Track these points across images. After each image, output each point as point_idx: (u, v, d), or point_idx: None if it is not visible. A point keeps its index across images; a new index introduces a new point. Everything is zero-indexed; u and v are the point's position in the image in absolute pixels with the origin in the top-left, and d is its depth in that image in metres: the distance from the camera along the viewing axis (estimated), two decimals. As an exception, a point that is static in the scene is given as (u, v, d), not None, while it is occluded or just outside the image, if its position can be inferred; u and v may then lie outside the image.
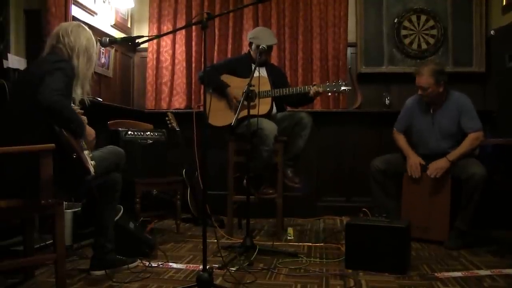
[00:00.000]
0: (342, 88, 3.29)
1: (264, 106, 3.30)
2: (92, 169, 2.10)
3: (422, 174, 3.19)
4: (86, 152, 2.16)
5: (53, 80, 1.99)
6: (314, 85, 3.33)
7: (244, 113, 2.96)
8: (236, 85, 3.37)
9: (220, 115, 3.38)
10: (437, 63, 3.27)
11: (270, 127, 3.18)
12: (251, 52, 3.55)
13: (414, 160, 3.21)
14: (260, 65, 3.40)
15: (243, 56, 3.72)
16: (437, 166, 3.11)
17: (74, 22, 2.40)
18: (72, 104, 2.16)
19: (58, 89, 1.97)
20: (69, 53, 2.23)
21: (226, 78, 3.44)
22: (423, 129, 3.29)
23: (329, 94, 3.40)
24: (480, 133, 3.13)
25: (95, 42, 2.36)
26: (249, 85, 2.83)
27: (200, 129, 3.97)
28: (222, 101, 3.43)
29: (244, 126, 3.06)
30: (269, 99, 3.36)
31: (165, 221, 3.93)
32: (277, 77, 3.56)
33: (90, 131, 2.26)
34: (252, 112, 3.02)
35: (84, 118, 2.24)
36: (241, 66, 3.48)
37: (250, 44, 3.54)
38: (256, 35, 3.51)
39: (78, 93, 2.21)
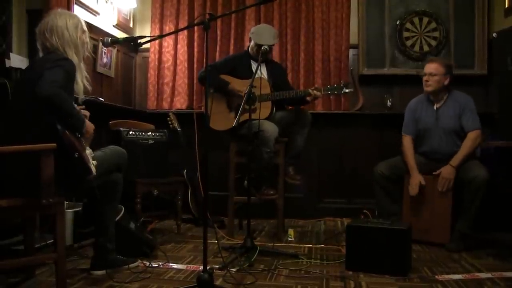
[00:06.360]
0: (344, 90, 3.26)
1: (264, 110, 3.27)
2: (93, 169, 2.09)
3: (423, 176, 3.19)
4: (88, 151, 2.16)
5: (51, 73, 1.99)
6: (315, 88, 3.30)
7: (245, 116, 2.96)
8: (236, 86, 3.35)
9: (220, 119, 3.35)
10: (448, 59, 3.28)
11: (271, 129, 3.18)
12: (250, 48, 3.50)
13: (415, 181, 3.18)
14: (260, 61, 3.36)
15: (242, 53, 3.65)
16: (446, 178, 3.08)
17: (52, 13, 2.28)
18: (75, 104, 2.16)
19: (56, 81, 1.96)
20: (60, 48, 2.20)
21: (226, 79, 3.40)
22: (427, 126, 3.28)
23: (331, 96, 3.36)
24: (478, 132, 3.14)
25: (78, 21, 2.29)
26: (251, 86, 2.83)
27: (201, 130, 3.97)
28: (222, 103, 3.41)
29: (246, 128, 3.06)
30: (269, 103, 3.33)
31: (165, 221, 3.93)
32: (277, 76, 3.54)
33: (89, 126, 2.21)
34: (253, 115, 2.99)
35: (87, 112, 2.24)
36: (240, 65, 3.46)
37: (250, 39, 3.49)
38: (256, 31, 3.45)
39: (78, 79, 2.20)
